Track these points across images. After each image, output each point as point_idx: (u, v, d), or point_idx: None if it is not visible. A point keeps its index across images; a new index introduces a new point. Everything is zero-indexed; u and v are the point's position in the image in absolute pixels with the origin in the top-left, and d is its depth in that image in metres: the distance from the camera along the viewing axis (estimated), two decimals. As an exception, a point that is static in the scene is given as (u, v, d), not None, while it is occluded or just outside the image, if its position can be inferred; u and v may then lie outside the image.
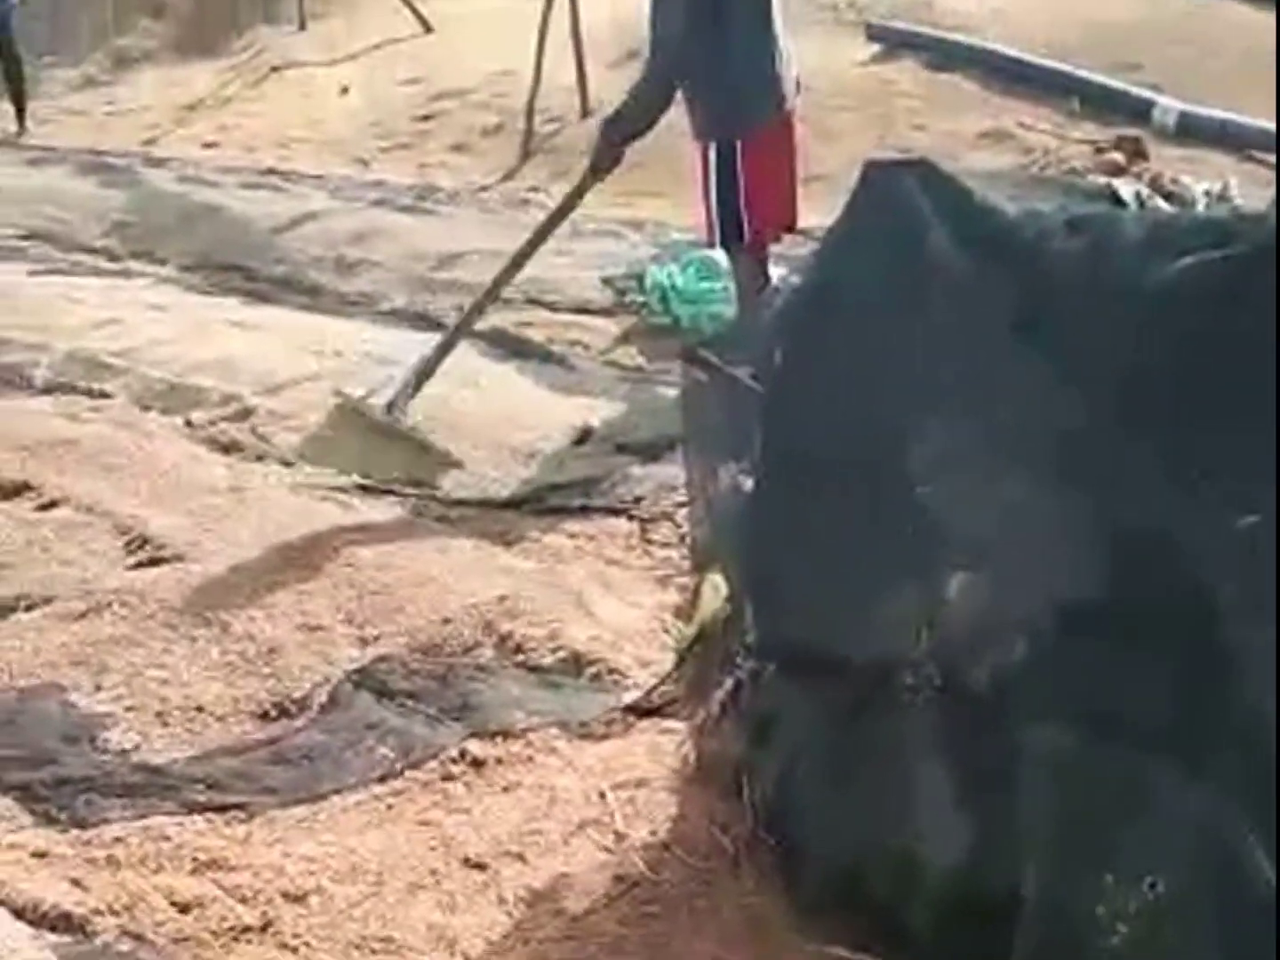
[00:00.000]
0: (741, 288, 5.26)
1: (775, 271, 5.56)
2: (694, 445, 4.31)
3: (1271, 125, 7.32)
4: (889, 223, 3.16)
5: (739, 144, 4.98)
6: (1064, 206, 3.27)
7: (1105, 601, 2.80)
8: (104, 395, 5.65)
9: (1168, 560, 2.74)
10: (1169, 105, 8.06)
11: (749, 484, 3.60)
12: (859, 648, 3.13)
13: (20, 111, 11.24)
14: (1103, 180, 6.66)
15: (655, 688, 3.83)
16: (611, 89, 7.89)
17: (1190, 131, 7.92)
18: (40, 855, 3.36)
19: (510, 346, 6.01)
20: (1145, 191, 6.43)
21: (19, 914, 3.19)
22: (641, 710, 3.77)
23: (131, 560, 4.50)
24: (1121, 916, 2.76)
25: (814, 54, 8.25)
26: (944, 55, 8.87)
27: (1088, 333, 2.90)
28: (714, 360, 3.80)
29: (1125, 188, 6.81)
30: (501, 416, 5.32)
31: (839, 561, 3.20)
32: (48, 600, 4.30)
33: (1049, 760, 2.83)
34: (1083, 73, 8.48)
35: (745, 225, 5.08)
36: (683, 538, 4.49)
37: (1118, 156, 7.63)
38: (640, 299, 6.28)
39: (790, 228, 5.35)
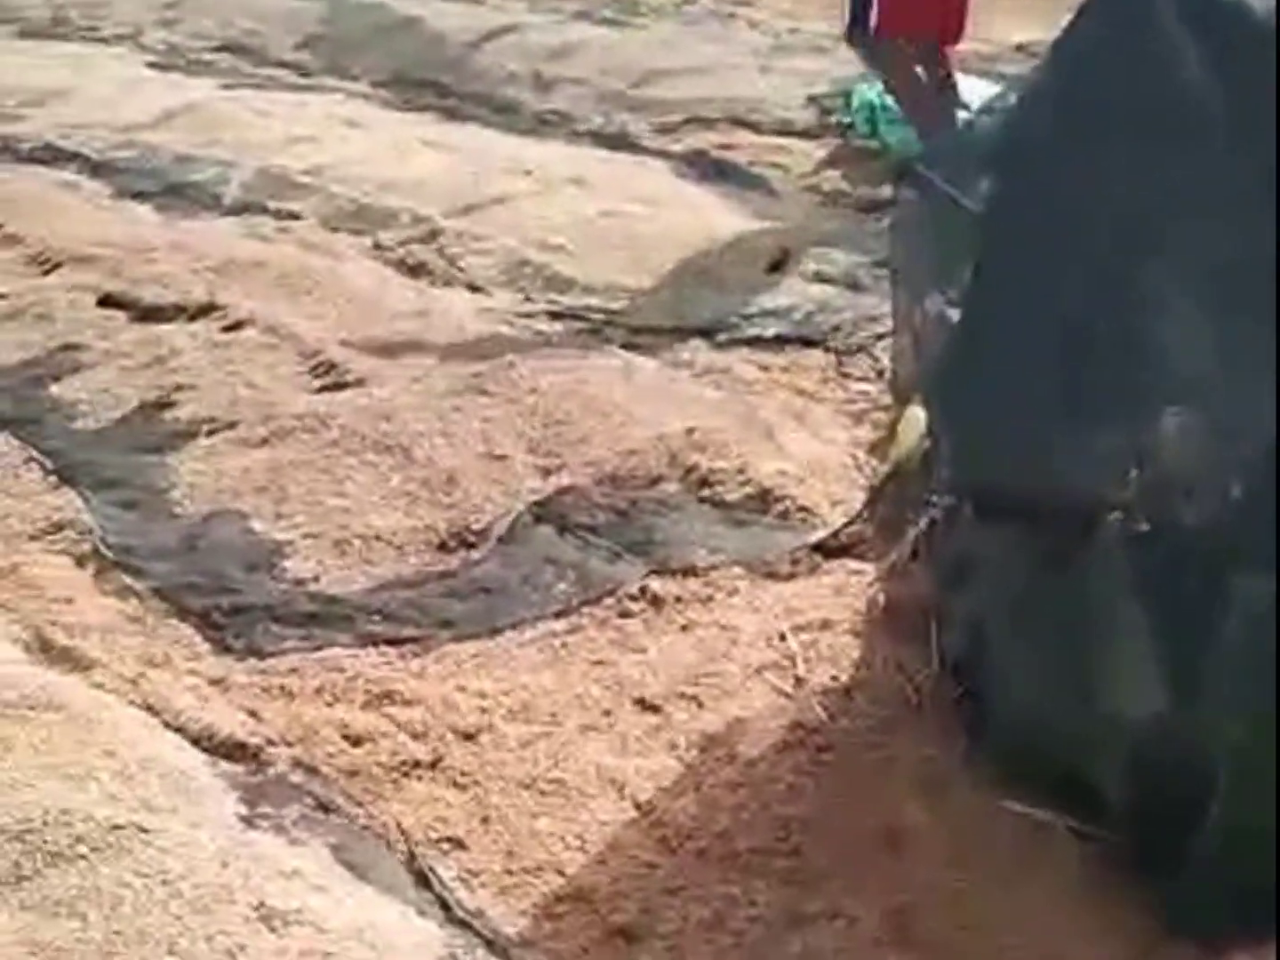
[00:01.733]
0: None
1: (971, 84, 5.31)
2: (901, 272, 4.12)
3: None
4: (1126, 30, 2.92)
5: None
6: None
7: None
8: (293, 216, 5.58)
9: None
10: None
11: (956, 314, 3.42)
12: (1063, 488, 2.96)
13: None
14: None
15: (845, 526, 3.68)
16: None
17: None
18: (217, 683, 3.36)
19: (710, 168, 5.80)
20: None
21: (195, 741, 3.18)
22: (829, 550, 3.63)
23: (316, 384, 4.45)
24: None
25: None
26: None
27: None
28: (931, 178, 3.59)
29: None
30: (697, 242, 5.14)
31: (1048, 397, 3.02)
32: (231, 425, 4.28)
33: (1259, 610, 2.66)
34: None
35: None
36: (881, 372, 4.31)
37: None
38: (846, 119, 6.03)
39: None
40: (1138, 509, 2.87)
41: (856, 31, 4.99)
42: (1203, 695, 2.73)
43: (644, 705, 3.20)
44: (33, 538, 3.88)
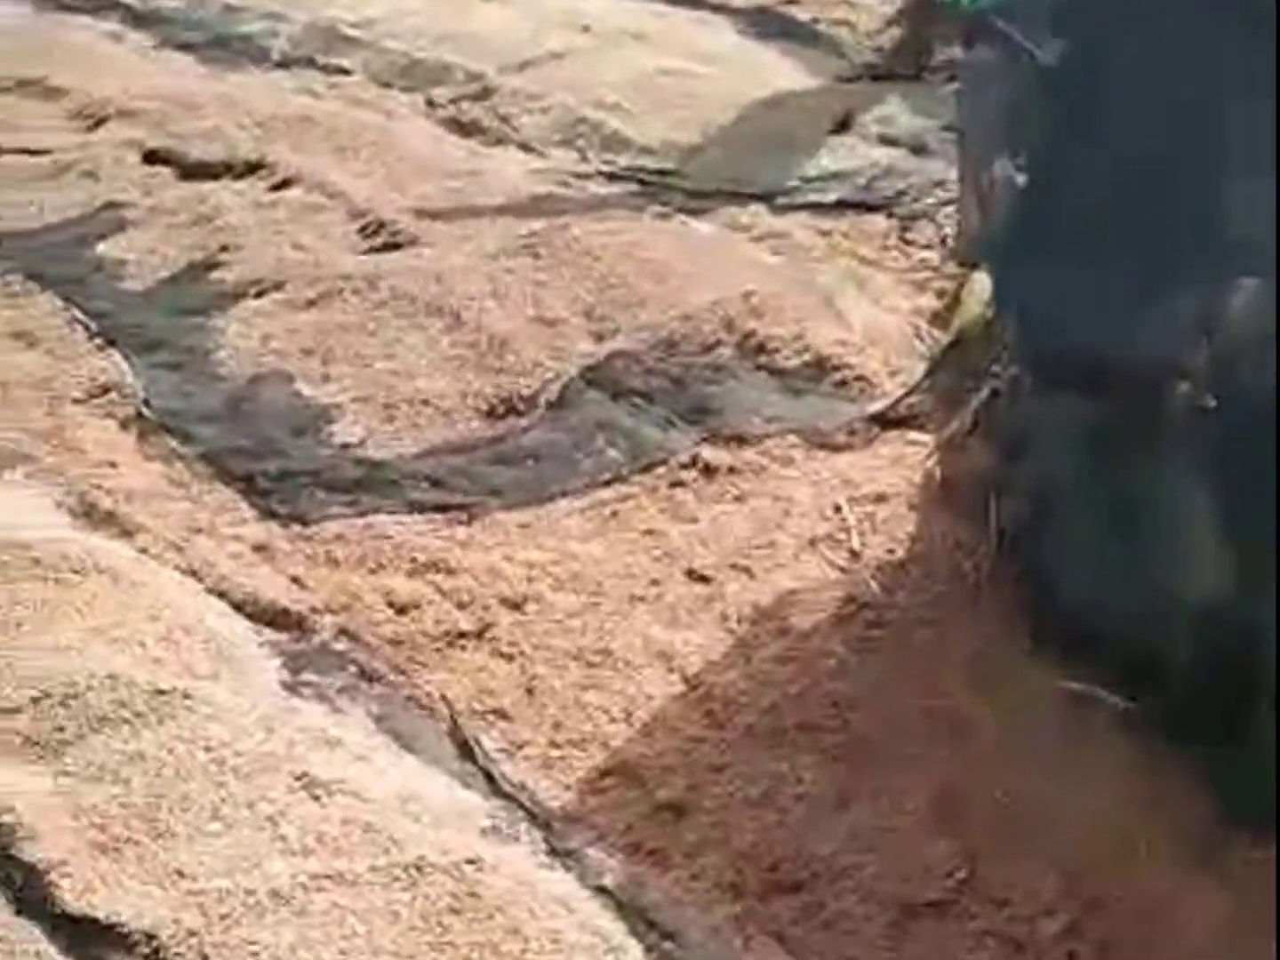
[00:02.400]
0: None
1: None
2: (968, 135, 3.99)
3: None
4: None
5: None
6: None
7: None
8: (342, 71, 5.47)
9: None
10: None
11: (1024, 178, 3.31)
12: (1130, 357, 2.87)
13: None
14: None
15: (904, 397, 3.59)
16: None
17: None
18: (261, 549, 3.32)
19: (773, 25, 5.64)
20: None
21: (238, 607, 3.16)
22: (887, 421, 3.55)
23: (365, 245, 4.36)
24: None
25: None
26: None
27: None
28: (1002, 34, 3.45)
29: None
30: (758, 102, 5.00)
31: (1116, 264, 2.92)
32: (278, 285, 4.20)
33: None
34: None
35: None
36: (945, 239, 4.19)
37: None
38: (916, -26, 5.83)
39: None
40: (1206, 379, 2.79)
41: None
42: (1266, 575, 2.66)
43: (694, 576, 3.14)
44: (77, 400, 3.85)
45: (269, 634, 3.08)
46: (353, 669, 3.00)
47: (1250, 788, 2.51)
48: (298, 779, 2.70)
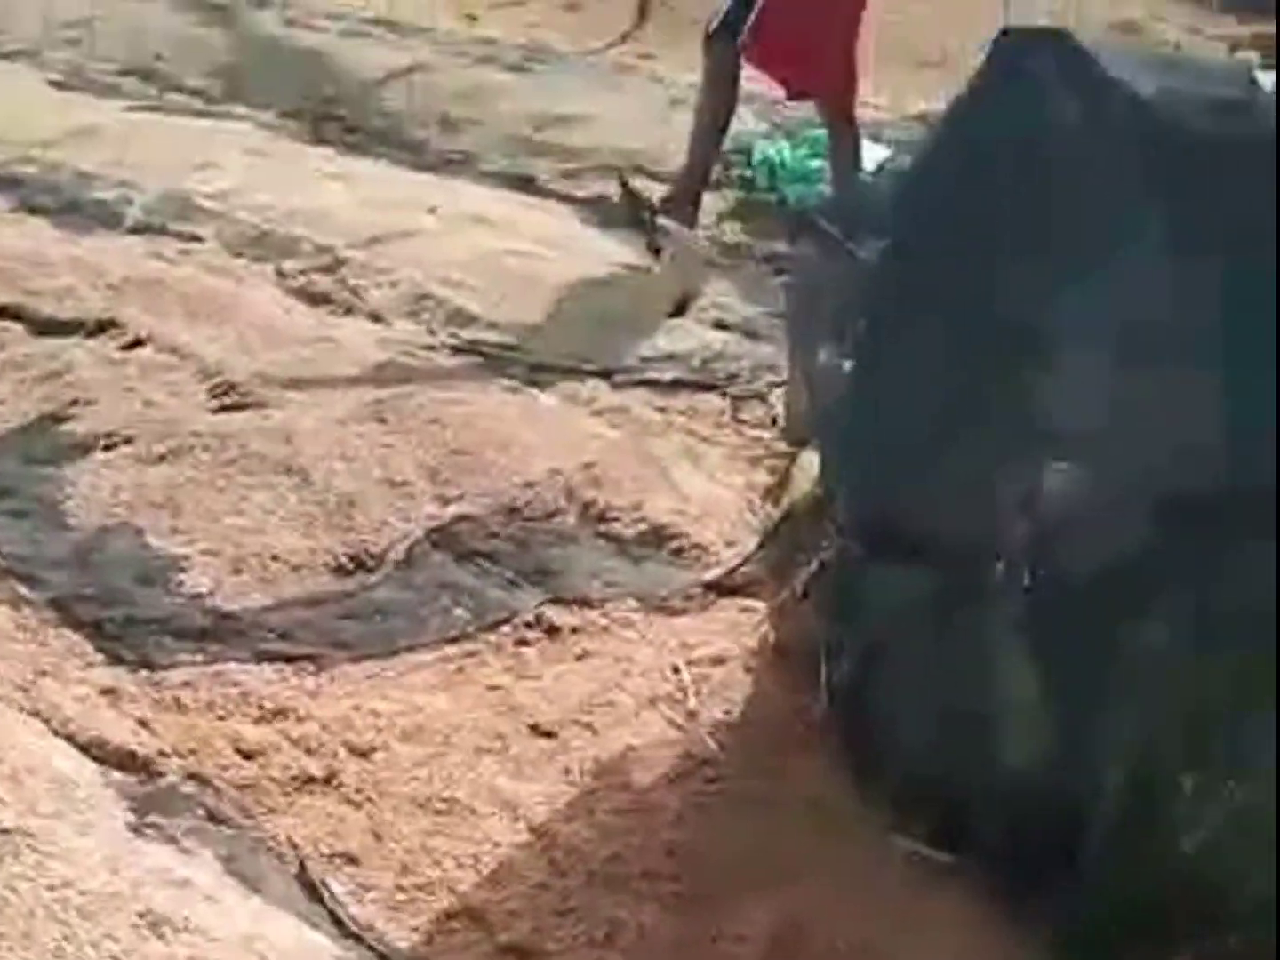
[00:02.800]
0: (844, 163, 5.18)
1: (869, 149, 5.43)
2: (797, 323, 4.23)
3: None
4: (1018, 96, 3.03)
5: None
6: (1201, 89, 3.14)
7: (1213, 497, 2.71)
8: (195, 238, 5.56)
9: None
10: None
11: (849, 364, 3.51)
12: (952, 535, 3.06)
13: None
14: (1241, 59, 6.47)
15: (738, 566, 3.76)
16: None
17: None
18: (108, 693, 3.34)
19: (611, 216, 5.87)
20: (1285, 81, 6.20)
21: (84, 749, 3.16)
22: (722, 588, 3.70)
23: (215, 404, 4.44)
24: (1198, 822, 2.70)
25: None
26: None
27: (1217, 222, 2.78)
28: (827, 229, 3.68)
29: (1264, 75, 6.58)
30: (599, 285, 5.21)
31: (939, 446, 3.12)
32: (128, 440, 4.25)
33: (1138, 657, 2.76)
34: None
35: None
36: (775, 419, 4.39)
37: (1252, 55, 7.37)
38: (747, 173, 6.13)
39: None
40: (1023, 559, 2.96)
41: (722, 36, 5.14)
42: (1085, 741, 2.83)
43: (538, 731, 3.24)
44: (-77, 548, 3.85)
45: (115, 776, 3.09)
46: (200, 812, 3.02)
47: (1082, 938, 2.65)
48: (142, 917, 2.71)
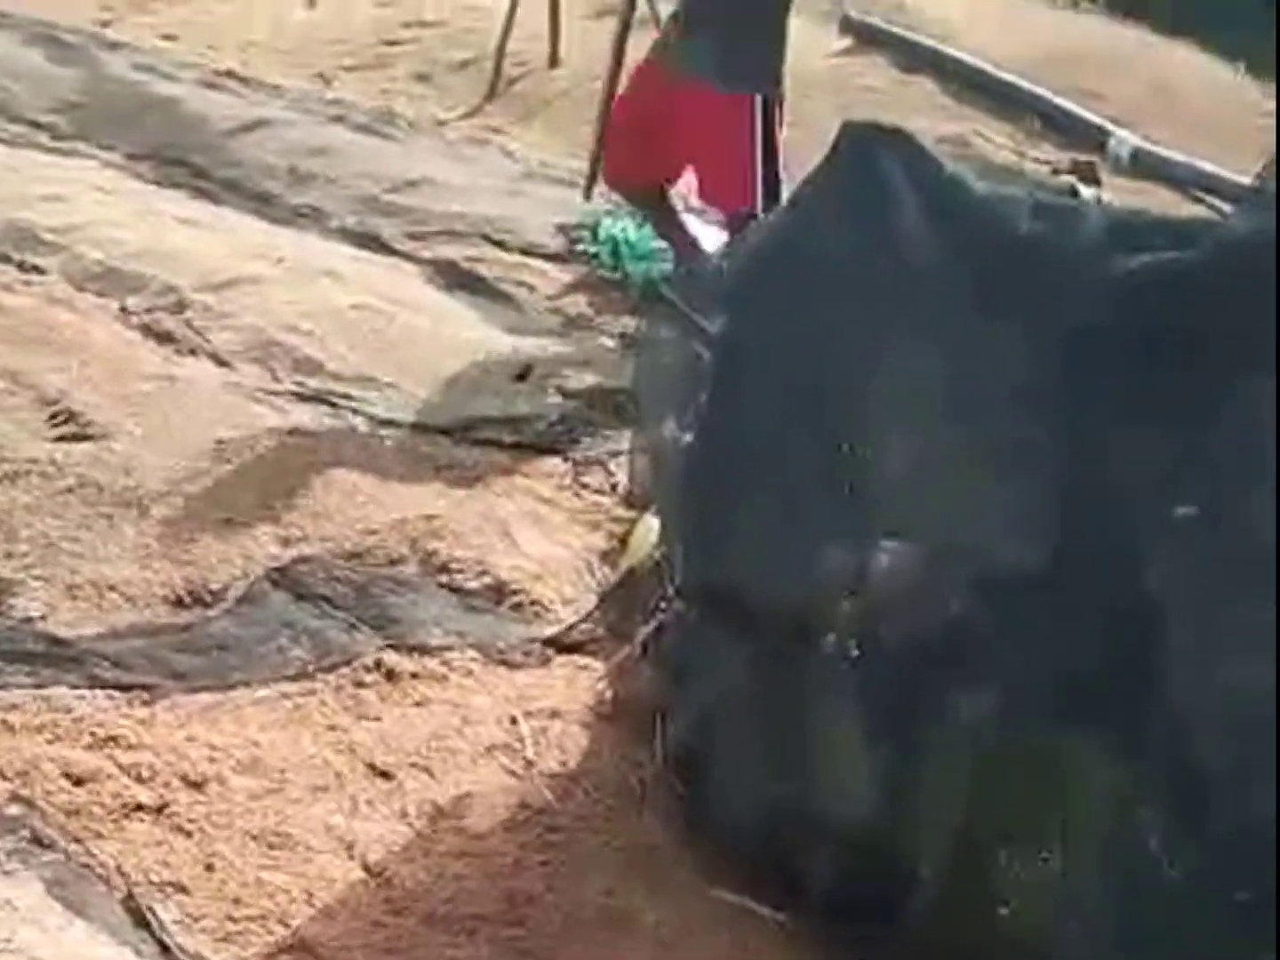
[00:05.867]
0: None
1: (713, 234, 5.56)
2: (641, 395, 4.31)
3: (1219, 170, 7.43)
4: (858, 186, 3.16)
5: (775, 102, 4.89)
6: (1031, 193, 3.31)
7: (1035, 575, 2.82)
8: (37, 269, 5.47)
9: (1099, 542, 2.77)
10: (1124, 138, 8.13)
11: (690, 436, 3.59)
12: (784, 603, 3.15)
13: None
14: (1064, 180, 6.75)
15: (577, 624, 3.81)
16: (584, 41, 7.82)
17: (1143, 167, 7.99)
18: (-68, 711, 3.28)
19: (457, 279, 5.91)
20: (1104, 197, 6.50)
21: (-96, 767, 3.11)
22: (561, 645, 3.75)
23: (53, 433, 4.37)
24: (1015, 888, 2.80)
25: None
26: (913, 56, 8.88)
27: (1046, 313, 2.91)
28: (675, 301, 3.78)
29: (1085, 190, 6.88)
30: (444, 345, 5.23)
31: (774, 519, 3.21)
32: (-39, 461, 4.18)
33: (961, 727, 2.86)
34: (1045, 93, 8.52)
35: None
36: (615, 485, 4.45)
37: (1073, 180, 7.68)
38: (592, 249, 6.21)
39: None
40: (853, 629, 3.06)
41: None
42: (906, 801, 2.92)
43: (375, 771, 3.25)
44: None
45: (-63, 795, 3.05)
46: (25, 834, 2.99)
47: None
48: (-38, 938, 2.67)
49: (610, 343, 5.39)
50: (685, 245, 5.37)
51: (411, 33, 8.50)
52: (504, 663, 3.65)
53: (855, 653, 3.07)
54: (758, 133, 4.87)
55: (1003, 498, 2.90)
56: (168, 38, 8.50)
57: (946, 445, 3.00)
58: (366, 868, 2.98)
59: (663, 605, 3.63)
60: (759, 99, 4.87)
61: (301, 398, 4.77)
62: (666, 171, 5.27)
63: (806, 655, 3.11)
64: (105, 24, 8.75)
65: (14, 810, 3.03)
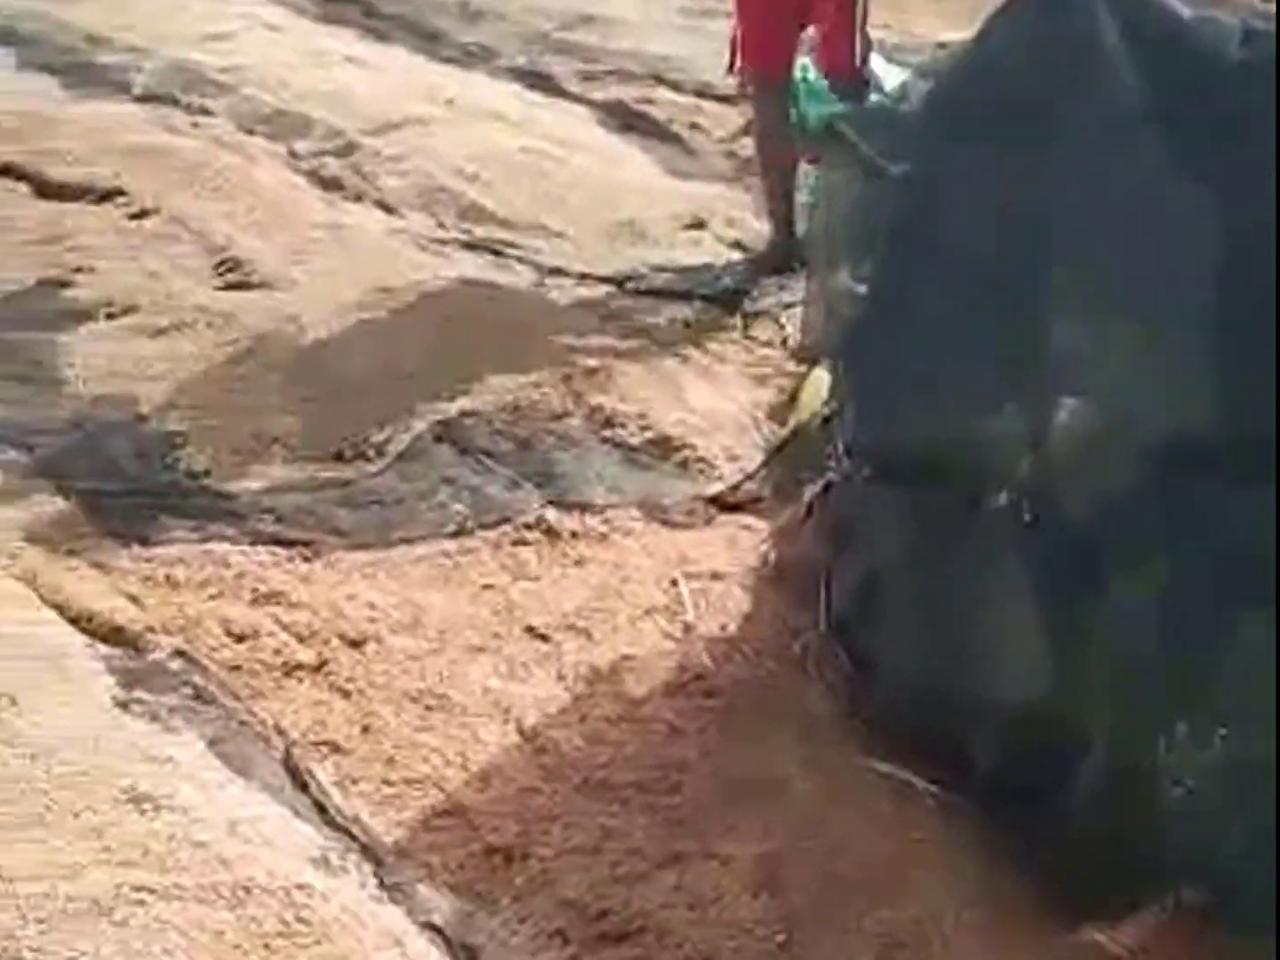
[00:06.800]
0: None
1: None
2: (816, 242, 4.16)
3: None
4: (1054, 13, 2.96)
5: None
6: (1243, 20, 3.08)
7: (1213, 443, 2.68)
8: (205, 111, 5.47)
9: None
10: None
11: (868, 285, 3.46)
12: (959, 463, 3.02)
13: None
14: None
15: (742, 482, 3.71)
16: None
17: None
18: (99, 567, 3.32)
19: (628, 121, 5.78)
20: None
21: (73, 621, 3.14)
22: (725, 503, 3.65)
23: (219, 281, 4.38)
24: (1189, 769, 2.68)
25: None
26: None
27: (1249, 157, 2.73)
28: (854, 143, 3.62)
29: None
30: (613, 191, 5.13)
31: (951, 375, 3.07)
32: (129, 310, 4.20)
33: (1137, 601, 2.73)
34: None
35: None
36: (785, 339, 4.33)
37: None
38: (767, 88, 6.02)
39: None
40: (1027, 492, 2.94)
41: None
42: (1077, 679, 2.81)
43: (533, 633, 3.21)
44: (-84, 405, 3.80)
45: (103, 649, 3.07)
46: (187, 690, 3.00)
47: (1063, 875, 2.63)
48: (124, 792, 2.69)
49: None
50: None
51: None
52: (666, 522, 3.57)
53: (1029, 515, 2.95)
54: None
55: (1186, 370, 2.74)
56: None
57: (1133, 311, 2.84)
58: (522, 732, 2.95)
59: (830, 464, 3.52)
60: None
61: (468, 245, 4.72)
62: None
63: (978, 518, 3.00)
64: None
65: (176, 665, 3.05)
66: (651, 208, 4.98)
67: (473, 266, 4.57)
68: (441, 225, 4.81)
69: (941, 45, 6.18)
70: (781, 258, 4.59)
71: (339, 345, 4.07)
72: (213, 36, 6.12)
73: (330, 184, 5.03)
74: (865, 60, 4.59)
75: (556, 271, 4.60)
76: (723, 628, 3.25)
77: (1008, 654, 2.92)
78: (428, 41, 6.31)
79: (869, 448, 3.30)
